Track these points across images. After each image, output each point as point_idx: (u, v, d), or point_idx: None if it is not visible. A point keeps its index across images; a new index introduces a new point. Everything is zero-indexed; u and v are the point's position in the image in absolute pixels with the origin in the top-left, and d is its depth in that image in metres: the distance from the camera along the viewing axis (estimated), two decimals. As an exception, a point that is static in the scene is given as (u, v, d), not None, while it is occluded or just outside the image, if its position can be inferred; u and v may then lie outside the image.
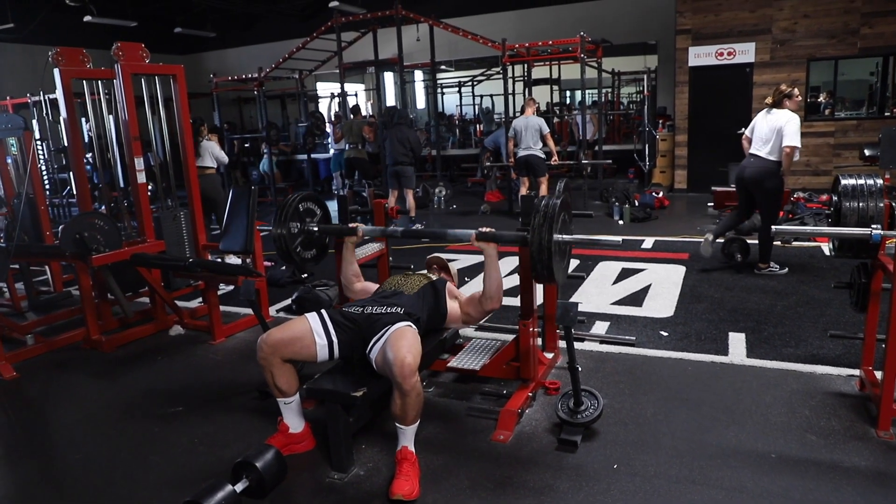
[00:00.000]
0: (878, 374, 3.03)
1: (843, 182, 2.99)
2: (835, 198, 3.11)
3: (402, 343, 2.52)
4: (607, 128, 12.82)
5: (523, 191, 8.45)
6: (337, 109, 12.75)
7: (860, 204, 2.89)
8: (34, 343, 4.35)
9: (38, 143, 9.09)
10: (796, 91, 5.20)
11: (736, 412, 3.02)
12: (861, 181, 2.95)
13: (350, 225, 3.26)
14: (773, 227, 3.16)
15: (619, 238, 2.81)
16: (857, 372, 3.29)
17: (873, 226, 2.77)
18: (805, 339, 3.87)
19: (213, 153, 7.24)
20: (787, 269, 5.33)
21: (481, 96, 15.84)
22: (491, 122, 14.87)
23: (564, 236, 2.83)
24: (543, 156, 8.20)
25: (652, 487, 2.46)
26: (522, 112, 8.66)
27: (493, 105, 16.11)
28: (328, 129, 12.72)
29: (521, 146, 8.27)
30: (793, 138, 4.98)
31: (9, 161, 5.46)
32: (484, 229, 2.97)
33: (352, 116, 10.71)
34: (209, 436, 3.05)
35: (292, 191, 11.96)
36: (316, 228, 3.33)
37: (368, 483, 2.59)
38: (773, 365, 3.54)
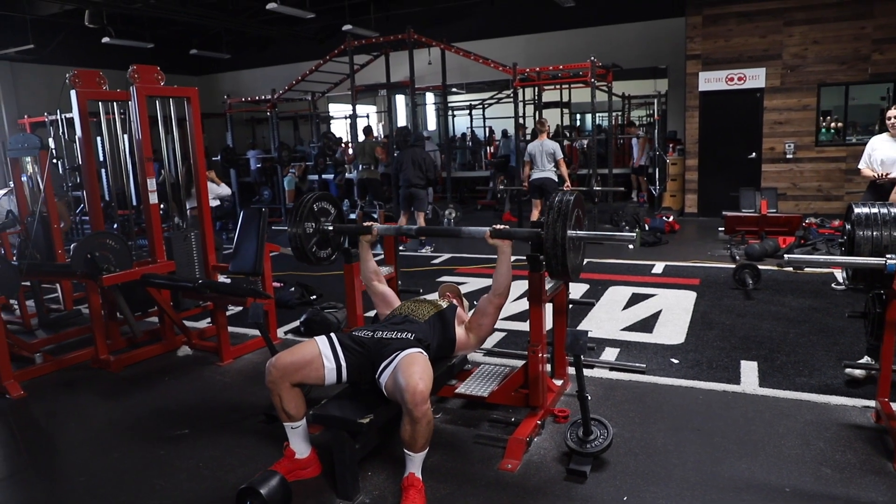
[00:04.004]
0: (895, 406, 2.98)
1: (857, 210, 2.96)
2: (848, 226, 3.08)
3: (413, 369, 2.50)
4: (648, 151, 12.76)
5: (535, 215, 8.44)
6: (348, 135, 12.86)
7: (874, 233, 2.86)
8: (42, 362, 4.35)
9: (54, 161, 9.19)
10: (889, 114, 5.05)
11: (748, 443, 2.97)
12: (875, 210, 2.91)
13: (364, 224, 3.29)
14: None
15: (632, 234, 2.80)
16: (872, 403, 3.23)
17: (888, 255, 2.74)
18: (819, 369, 3.81)
19: (214, 193, 7.26)
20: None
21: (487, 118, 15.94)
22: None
23: (578, 232, 2.85)
24: (557, 179, 8.21)
25: (663, 521, 2.41)
26: (535, 136, 8.69)
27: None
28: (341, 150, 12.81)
29: (536, 170, 8.31)
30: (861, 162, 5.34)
31: (24, 179, 5.52)
32: (498, 227, 3.01)
33: (363, 137, 10.76)
34: (214, 459, 3.03)
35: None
36: (331, 227, 3.37)
37: (374, 511, 2.55)
38: (787, 395, 3.48)
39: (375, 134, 12.29)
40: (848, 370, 3.62)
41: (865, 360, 3.65)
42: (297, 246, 3.26)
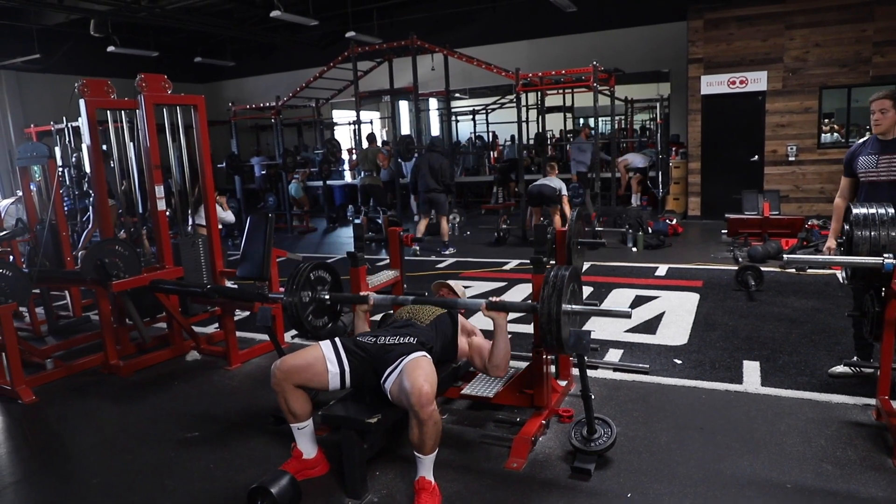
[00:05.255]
0: (895, 404, 3.02)
1: (855, 211, 3.01)
2: (846, 227, 3.13)
3: (418, 372, 2.55)
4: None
5: (535, 221, 8.53)
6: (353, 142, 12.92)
7: (872, 233, 2.91)
8: (53, 367, 4.41)
9: (60, 169, 9.27)
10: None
11: (750, 441, 3.01)
12: (873, 210, 2.96)
13: (361, 293, 3.30)
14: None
15: (629, 310, 2.82)
16: (873, 401, 3.27)
17: (886, 255, 2.78)
18: (820, 368, 3.84)
19: (218, 215, 7.19)
20: None
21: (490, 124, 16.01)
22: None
23: (574, 307, 2.82)
24: (556, 188, 8.27)
25: (666, 517, 2.45)
26: (543, 174, 8.90)
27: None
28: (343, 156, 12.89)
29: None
30: None
31: (32, 188, 5.60)
32: (494, 299, 2.97)
33: (366, 144, 10.84)
34: (225, 461, 3.08)
35: (308, 218, 12.07)
36: (327, 297, 3.30)
37: (382, 510, 2.60)
38: (788, 394, 3.52)
39: (379, 141, 12.37)
40: (833, 369, 3.75)
41: (855, 360, 3.71)
42: (292, 314, 3.13)
